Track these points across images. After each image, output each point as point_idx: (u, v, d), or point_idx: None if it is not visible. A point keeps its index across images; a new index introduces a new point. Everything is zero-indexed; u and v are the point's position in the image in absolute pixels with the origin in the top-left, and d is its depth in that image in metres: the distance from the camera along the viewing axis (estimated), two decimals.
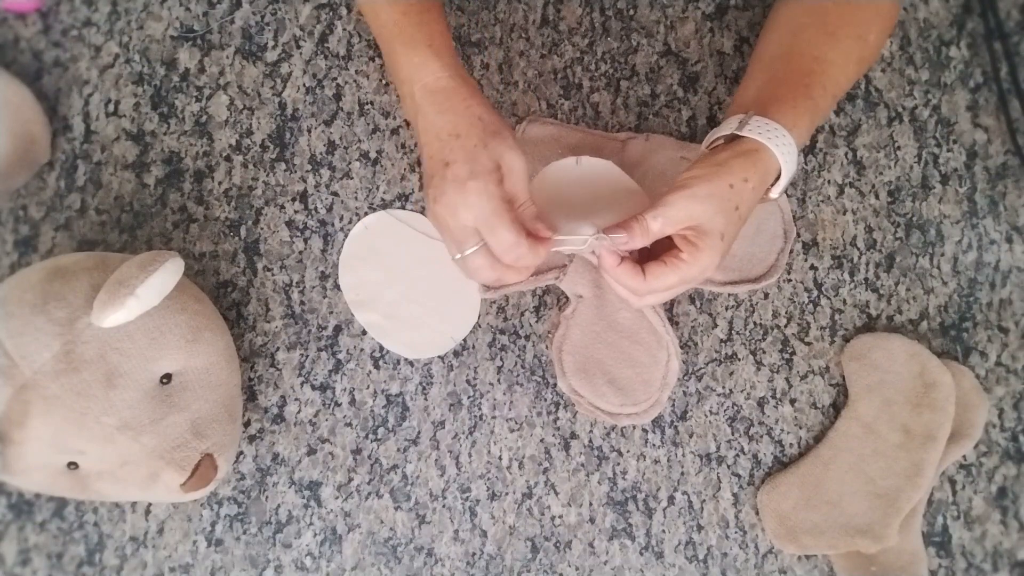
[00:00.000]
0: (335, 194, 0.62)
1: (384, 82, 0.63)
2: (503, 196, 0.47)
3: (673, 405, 0.60)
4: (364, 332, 0.60)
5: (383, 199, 0.62)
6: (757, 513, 0.59)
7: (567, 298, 0.60)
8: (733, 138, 0.50)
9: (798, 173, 0.60)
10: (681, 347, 0.60)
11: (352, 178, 0.62)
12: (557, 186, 0.55)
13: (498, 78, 0.64)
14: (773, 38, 0.56)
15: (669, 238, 0.49)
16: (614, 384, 0.58)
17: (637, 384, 0.58)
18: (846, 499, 0.58)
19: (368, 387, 0.59)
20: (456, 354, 0.60)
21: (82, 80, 0.62)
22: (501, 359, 0.60)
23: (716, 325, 0.61)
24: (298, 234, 0.61)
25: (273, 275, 0.61)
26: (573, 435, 0.60)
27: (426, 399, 0.60)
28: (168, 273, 0.49)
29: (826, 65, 0.53)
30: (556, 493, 0.59)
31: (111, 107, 0.62)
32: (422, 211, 0.61)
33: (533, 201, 0.50)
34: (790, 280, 0.62)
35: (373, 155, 0.62)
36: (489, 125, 0.49)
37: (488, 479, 0.59)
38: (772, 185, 0.51)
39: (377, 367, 0.60)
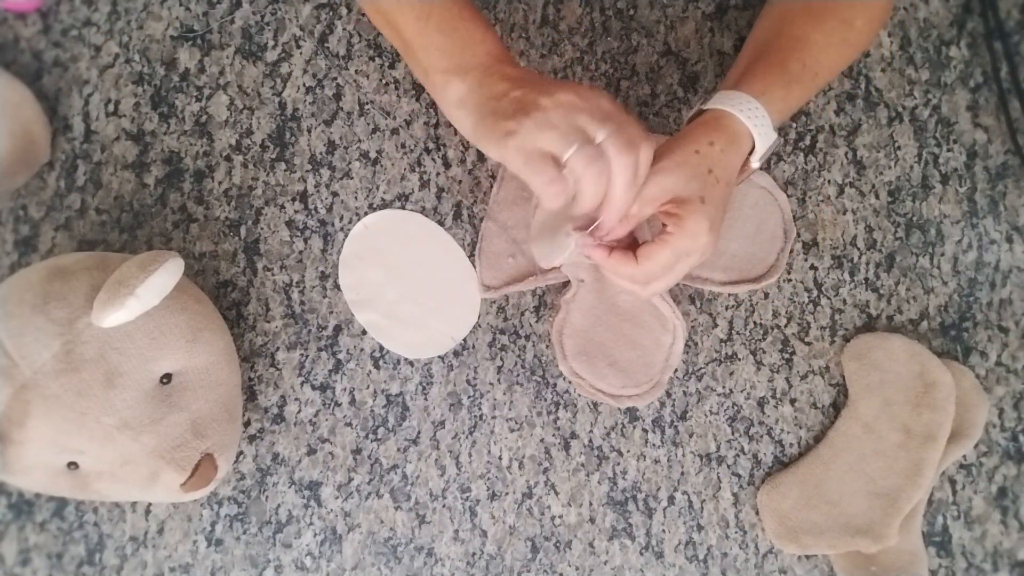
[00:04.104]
0: (335, 194, 0.62)
1: (384, 82, 0.63)
2: None
3: (673, 405, 0.60)
4: (364, 332, 0.60)
5: (383, 199, 0.62)
6: (757, 513, 0.59)
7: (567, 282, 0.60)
8: (699, 113, 0.52)
9: (779, 144, 0.57)
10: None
11: (352, 178, 0.62)
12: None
13: None
14: (763, 25, 0.57)
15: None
16: (615, 366, 0.58)
17: (639, 366, 0.58)
18: (846, 499, 0.57)
19: (368, 387, 0.59)
20: (456, 354, 0.60)
21: (82, 80, 0.62)
22: (501, 359, 0.60)
23: (716, 325, 0.61)
24: (298, 234, 0.61)
25: (273, 275, 0.61)
26: (573, 435, 0.60)
27: (426, 399, 0.59)
28: (168, 273, 0.49)
29: (806, 43, 0.53)
30: (556, 493, 0.59)
31: (111, 107, 0.62)
32: (422, 211, 0.61)
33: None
34: (790, 280, 0.62)
35: (373, 155, 0.62)
36: None
37: (488, 479, 0.59)
38: (750, 154, 0.51)
39: (377, 367, 0.60)
